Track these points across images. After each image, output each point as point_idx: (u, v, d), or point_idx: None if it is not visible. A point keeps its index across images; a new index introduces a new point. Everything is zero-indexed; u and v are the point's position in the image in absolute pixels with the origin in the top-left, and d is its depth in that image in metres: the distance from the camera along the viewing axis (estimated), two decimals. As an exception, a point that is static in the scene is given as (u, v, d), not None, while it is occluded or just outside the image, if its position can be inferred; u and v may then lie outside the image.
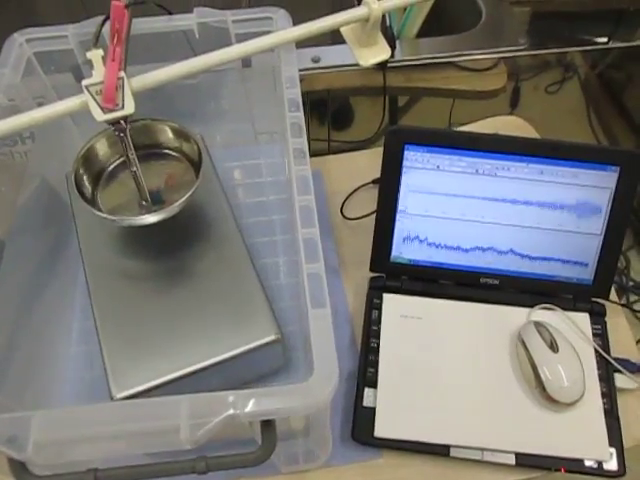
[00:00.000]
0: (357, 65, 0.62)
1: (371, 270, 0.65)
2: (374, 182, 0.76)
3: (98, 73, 0.50)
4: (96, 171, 0.62)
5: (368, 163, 0.79)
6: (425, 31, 0.88)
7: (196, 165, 0.61)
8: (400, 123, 1.02)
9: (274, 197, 0.75)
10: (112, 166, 0.63)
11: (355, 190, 0.76)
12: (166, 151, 0.64)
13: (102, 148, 0.62)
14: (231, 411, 0.37)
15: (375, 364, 0.59)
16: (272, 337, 0.53)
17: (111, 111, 0.51)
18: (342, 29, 0.60)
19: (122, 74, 0.50)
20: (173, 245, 0.60)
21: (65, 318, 0.64)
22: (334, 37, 0.65)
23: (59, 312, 0.64)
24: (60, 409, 0.39)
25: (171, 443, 0.37)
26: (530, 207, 0.61)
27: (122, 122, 0.52)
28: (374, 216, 0.64)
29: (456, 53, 0.86)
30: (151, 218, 0.55)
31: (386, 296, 0.64)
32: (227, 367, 0.52)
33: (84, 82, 0.50)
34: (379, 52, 0.61)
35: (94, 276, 0.58)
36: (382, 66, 0.83)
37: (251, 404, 0.37)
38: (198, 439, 0.36)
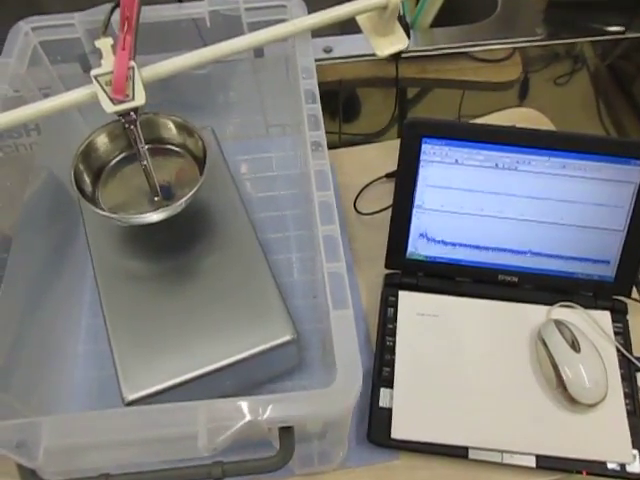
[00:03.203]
0: (370, 55, 0.60)
1: (386, 267, 0.64)
2: (387, 176, 0.74)
3: (107, 63, 0.48)
4: (97, 167, 0.59)
5: (380, 156, 0.77)
6: (439, 21, 0.86)
7: (200, 161, 0.58)
8: (410, 115, 1.00)
9: (286, 192, 0.73)
10: (113, 162, 0.60)
11: (368, 184, 0.74)
12: (169, 147, 0.61)
13: (102, 143, 0.59)
14: (250, 418, 0.35)
15: (391, 363, 0.58)
16: (288, 337, 0.51)
17: (121, 102, 0.49)
18: (358, 18, 0.58)
19: (133, 64, 0.48)
20: (184, 241, 0.58)
21: (73, 315, 0.63)
22: (343, 27, 0.63)
23: (67, 309, 0.62)
24: (72, 415, 0.37)
25: (188, 451, 0.35)
26: (551, 202, 0.59)
27: (132, 114, 0.50)
28: (388, 211, 0.62)
29: (471, 43, 0.84)
30: (154, 216, 0.53)
31: (402, 293, 0.62)
32: (241, 368, 0.50)
33: (93, 72, 0.48)
34: (396, 41, 0.59)
35: (103, 273, 0.56)
36: (395, 57, 0.81)
37: (271, 410, 0.36)
38: (216, 446, 0.35)
